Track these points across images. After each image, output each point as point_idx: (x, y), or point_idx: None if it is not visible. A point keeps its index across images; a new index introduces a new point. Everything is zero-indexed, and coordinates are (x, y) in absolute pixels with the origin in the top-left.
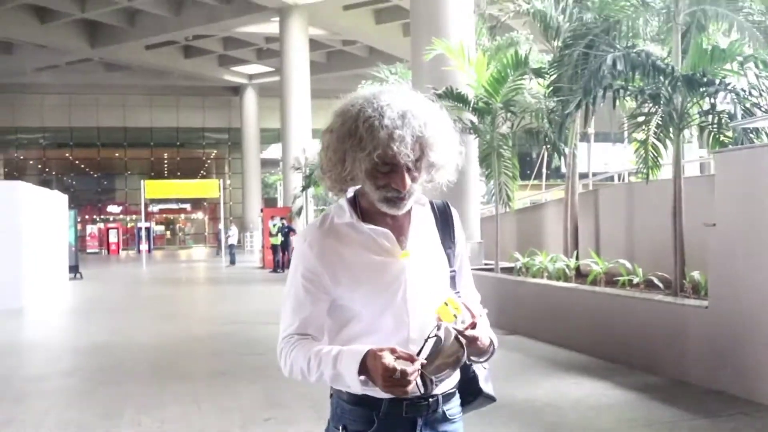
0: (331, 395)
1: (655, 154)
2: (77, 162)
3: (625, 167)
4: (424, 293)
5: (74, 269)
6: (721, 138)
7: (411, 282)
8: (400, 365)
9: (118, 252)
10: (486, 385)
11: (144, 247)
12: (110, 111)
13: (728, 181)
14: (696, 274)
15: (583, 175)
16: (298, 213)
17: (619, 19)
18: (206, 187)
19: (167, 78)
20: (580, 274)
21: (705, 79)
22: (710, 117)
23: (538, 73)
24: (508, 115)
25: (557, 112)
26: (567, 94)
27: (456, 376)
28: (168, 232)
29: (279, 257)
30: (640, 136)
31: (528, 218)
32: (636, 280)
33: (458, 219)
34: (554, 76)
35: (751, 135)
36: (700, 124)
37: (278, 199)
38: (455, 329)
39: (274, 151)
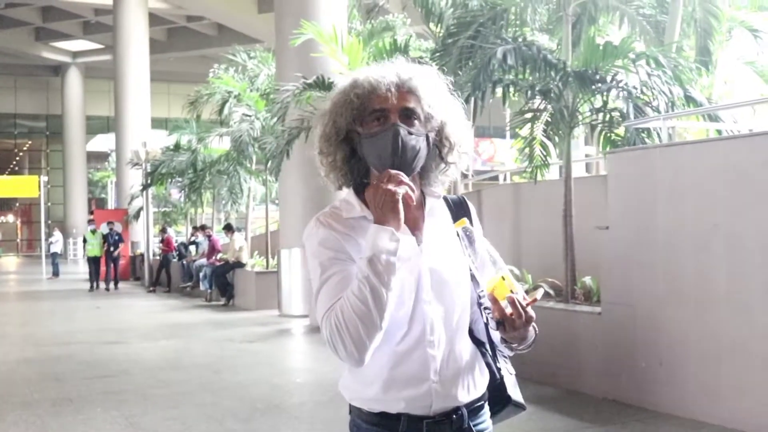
0: (350, 411)
1: (544, 153)
2: None
3: (508, 166)
4: (441, 291)
5: None
6: (612, 137)
7: (426, 280)
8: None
9: None
10: (515, 392)
11: None
12: None
13: (621, 183)
14: (588, 280)
15: (463, 175)
16: (136, 216)
17: (507, 8)
18: (22, 185)
19: None
20: None
21: (597, 76)
22: (601, 115)
23: (419, 62)
24: None
25: None
26: (451, 87)
27: (482, 386)
28: None
29: (99, 271)
30: (524, 132)
31: None
32: (525, 286)
33: (476, 214)
34: (436, 67)
35: (642, 134)
36: (591, 122)
37: (107, 199)
38: (519, 303)
39: (101, 143)
